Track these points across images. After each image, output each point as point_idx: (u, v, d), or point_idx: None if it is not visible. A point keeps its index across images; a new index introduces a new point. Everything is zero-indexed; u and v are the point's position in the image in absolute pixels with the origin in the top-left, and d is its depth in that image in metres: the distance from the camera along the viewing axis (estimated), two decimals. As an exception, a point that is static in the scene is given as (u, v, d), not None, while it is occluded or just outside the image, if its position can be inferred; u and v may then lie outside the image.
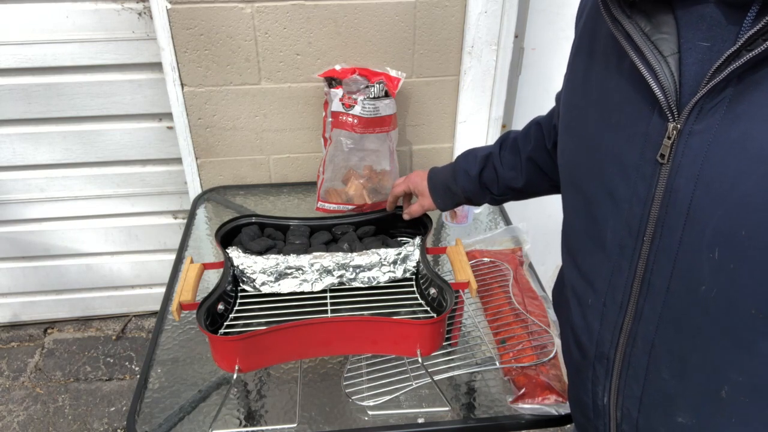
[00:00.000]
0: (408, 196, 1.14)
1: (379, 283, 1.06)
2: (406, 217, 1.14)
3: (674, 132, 0.53)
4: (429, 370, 0.94)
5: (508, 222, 1.43)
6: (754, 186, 0.49)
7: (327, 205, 1.41)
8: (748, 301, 0.53)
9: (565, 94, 0.72)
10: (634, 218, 0.58)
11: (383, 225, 1.17)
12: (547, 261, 1.99)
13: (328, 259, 1.04)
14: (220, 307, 0.95)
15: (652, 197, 0.56)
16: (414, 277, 1.07)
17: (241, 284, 1.04)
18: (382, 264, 1.06)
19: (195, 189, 1.61)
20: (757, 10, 0.47)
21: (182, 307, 0.92)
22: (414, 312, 1.02)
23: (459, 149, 1.61)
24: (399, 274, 1.06)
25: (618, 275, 0.62)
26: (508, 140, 1.00)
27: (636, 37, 0.54)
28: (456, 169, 1.03)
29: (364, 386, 0.97)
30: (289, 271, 1.03)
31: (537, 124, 0.97)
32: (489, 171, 1.00)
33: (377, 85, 1.33)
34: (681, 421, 0.61)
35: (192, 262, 1.01)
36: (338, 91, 1.33)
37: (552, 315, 1.10)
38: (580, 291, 0.69)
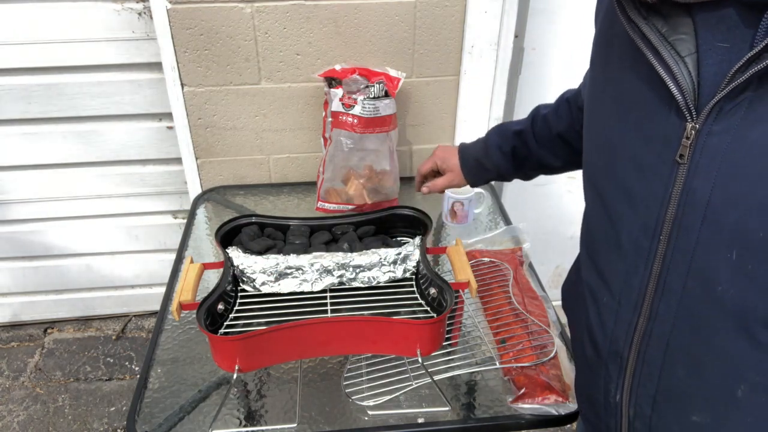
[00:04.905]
0: (432, 174, 1.17)
1: (379, 283, 1.05)
2: (425, 191, 1.17)
3: (692, 132, 0.53)
4: (429, 370, 0.94)
5: (508, 222, 1.43)
6: None
7: (327, 205, 1.41)
8: (766, 303, 0.53)
9: (586, 92, 0.72)
10: (650, 218, 0.58)
11: (383, 225, 1.17)
12: (547, 261, 1.99)
13: (328, 259, 1.04)
14: (220, 307, 0.95)
15: (669, 197, 0.56)
16: (414, 277, 1.07)
17: (241, 284, 1.04)
18: (382, 264, 1.06)
19: (195, 189, 1.61)
20: None
21: (182, 307, 0.92)
22: (414, 312, 1.02)
23: (459, 149, 1.61)
24: (399, 274, 1.06)
25: (633, 274, 0.62)
26: (538, 116, 1.00)
27: (653, 38, 0.54)
28: (488, 144, 1.04)
29: (364, 386, 0.97)
30: (289, 271, 1.03)
31: (566, 101, 0.97)
32: (522, 148, 1.01)
33: (377, 85, 1.33)
34: (695, 420, 0.61)
35: (192, 262, 1.01)
36: (338, 91, 1.33)
37: (552, 315, 1.10)
38: (595, 289, 0.69)
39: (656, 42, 0.54)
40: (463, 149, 1.11)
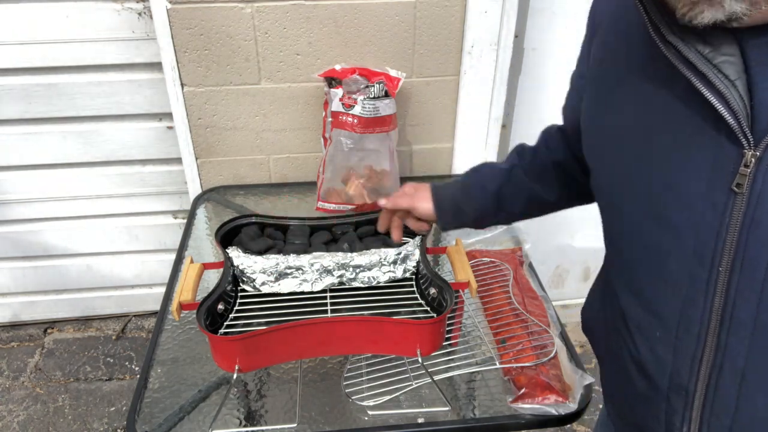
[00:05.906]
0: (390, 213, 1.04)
1: (379, 282, 1.06)
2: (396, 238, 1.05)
3: (752, 160, 0.50)
4: (429, 370, 0.94)
5: (508, 222, 1.42)
6: None
7: (327, 205, 1.41)
8: None
9: (590, 115, 0.69)
10: (705, 248, 0.55)
11: (383, 225, 1.17)
12: (547, 261, 1.99)
13: (328, 259, 1.04)
14: (220, 307, 0.95)
15: (726, 227, 0.53)
16: (414, 277, 1.07)
17: (241, 284, 1.04)
18: (382, 264, 1.06)
19: (195, 189, 1.61)
20: None
21: (182, 307, 0.92)
22: (414, 312, 1.02)
23: (459, 149, 1.61)
24: (399, 273, 1.06)
25: (692, 307, 0.58)
26: (525, 151, 0.93)
27: (696, 60, 0.51)
28: (469, 184, 0.94)
29: (364, 386, 0.97)
30: (289, 271, 1.03)
31: (558, 131, 0.91)
32: (510, 186, 0.91)
33: (377, 85, 1.33)
34: None
35: (192, 262, 1.01)
36: (338, 91, 1.33)
37: (552, 315, 1.10)
38: (642, 322, 0.65)
39: (701, 65, 0.51)
40: (437, 190, 0.98)
